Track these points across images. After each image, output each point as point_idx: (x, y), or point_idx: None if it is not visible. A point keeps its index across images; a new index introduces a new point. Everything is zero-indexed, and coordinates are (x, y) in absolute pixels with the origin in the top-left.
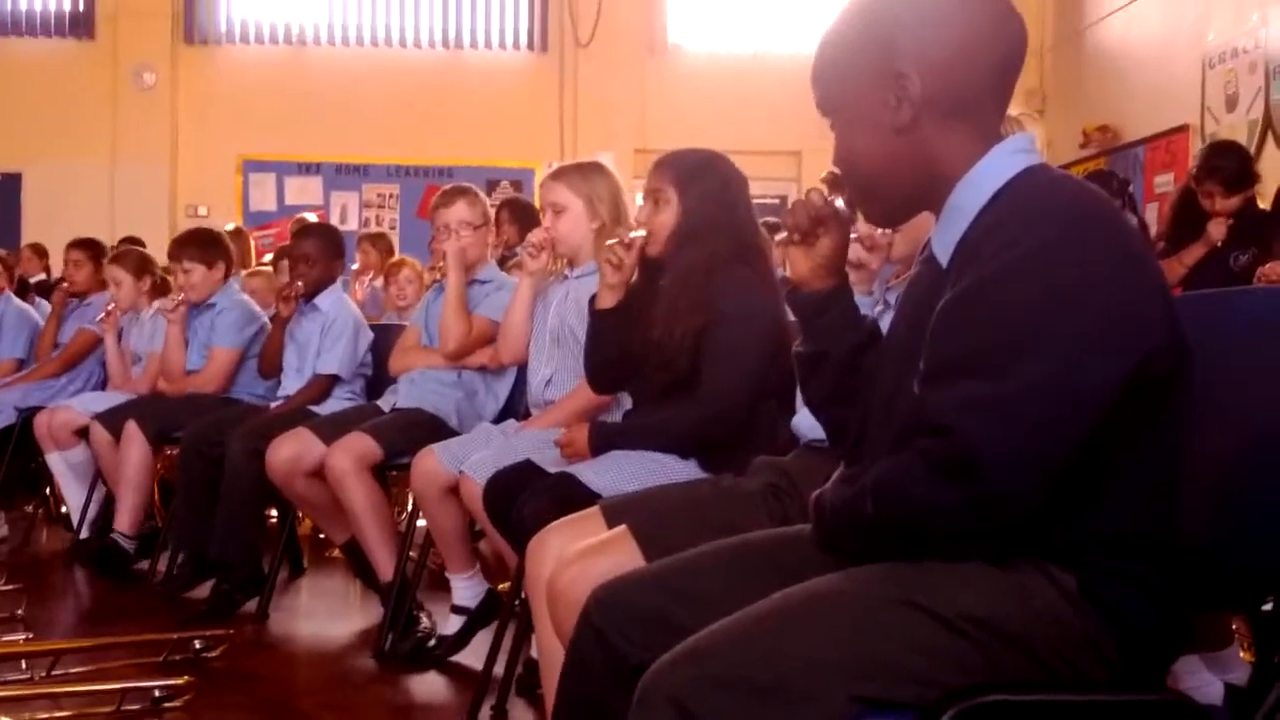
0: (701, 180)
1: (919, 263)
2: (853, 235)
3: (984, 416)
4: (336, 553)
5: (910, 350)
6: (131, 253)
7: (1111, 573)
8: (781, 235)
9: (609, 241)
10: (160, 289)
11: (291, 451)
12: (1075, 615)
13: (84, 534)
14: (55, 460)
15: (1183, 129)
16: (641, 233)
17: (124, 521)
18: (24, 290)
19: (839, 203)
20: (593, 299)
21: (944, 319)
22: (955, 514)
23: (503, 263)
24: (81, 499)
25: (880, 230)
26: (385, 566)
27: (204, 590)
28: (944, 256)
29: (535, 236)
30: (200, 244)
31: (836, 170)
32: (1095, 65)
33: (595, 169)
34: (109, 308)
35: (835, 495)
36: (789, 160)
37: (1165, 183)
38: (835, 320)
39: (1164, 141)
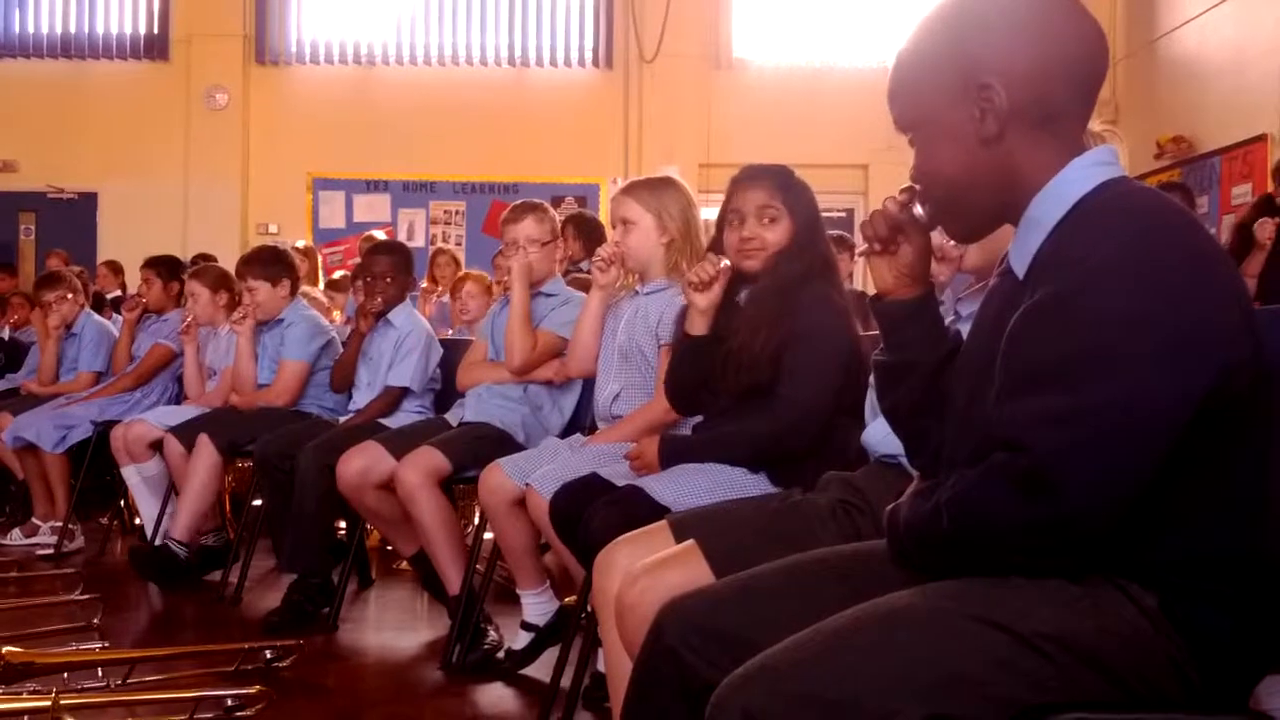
0: (801, 193)
1: (997, 274)
2: None
3: (1057, 432)
4: (404, 565)
5: (986, 362)
6: (211, 268)
7: (1194, 592)
8: (862, 246)
9: (696, 269)
10: (237, 305)
11: (361, 464)
12: (1156, 635)
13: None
14: (130, 473)
15: (1261, 139)
16: (727, 262)
17: (179, 528)
18: (100, 305)
19: (917, 209)
20: (681, 316)
21: (1018, 333)
22: (1028, 531)
23: (564, 276)
24: (155, 511)
25: (951, 241)
26: (453, 580)
27: (275, 601)
28: (1021, 268)
29: (604, 251)
30: (264, 262)
31: (914, 185)
32: (1169, 75)
33: (666, 184)
34: (187, 321)
35: (910, 510)
36: (856, 173)
37: (1243, 194)
38: (922, 330)
39: (1241, 152)
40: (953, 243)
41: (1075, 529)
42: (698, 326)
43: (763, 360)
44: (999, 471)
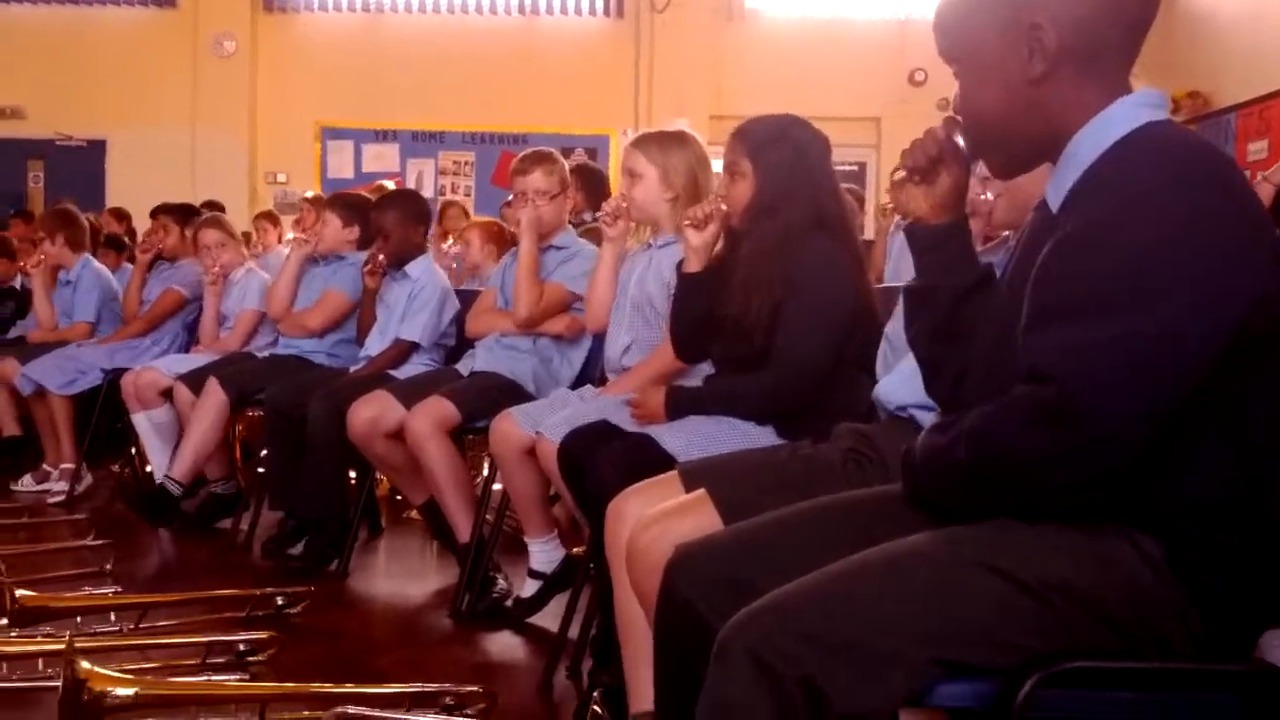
0: (775, 150)
1: (1032, 211)
2: None
3: (1084, 362)
4: (414, 514)
5: (1017, 295)
6: (218, 218)
7: (1199, 542)
8: (900, 174)
9: (693, 208)
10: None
11: (371, 413)
12: (1160, 585)
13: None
14: (140, 420)
15: (1277, 94)
16: (724, 206)
17: (180, 468)
18: (119, 248)
19: (959, 139)
20: (680, 263)
21: (1047, 265)
22: (1051, 461)
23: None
24: (166, 458)
25: (983, 194)
26: (463, 528)
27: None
28: (1055, 203)
29: (610, 204)
30: (347, 204)
31: (955, 116)
32: (1185, 30)
33: (677, 140)
34: (214, 270)
35: (925, 442)
36: (868, 126)
37: (1259, 150)
38: (950, 256)
39: (1257, 108)
40: (984, 196)
41: (1097, 461)
42: (693, 264)
43: (759, 327)
44: (1020, 402)
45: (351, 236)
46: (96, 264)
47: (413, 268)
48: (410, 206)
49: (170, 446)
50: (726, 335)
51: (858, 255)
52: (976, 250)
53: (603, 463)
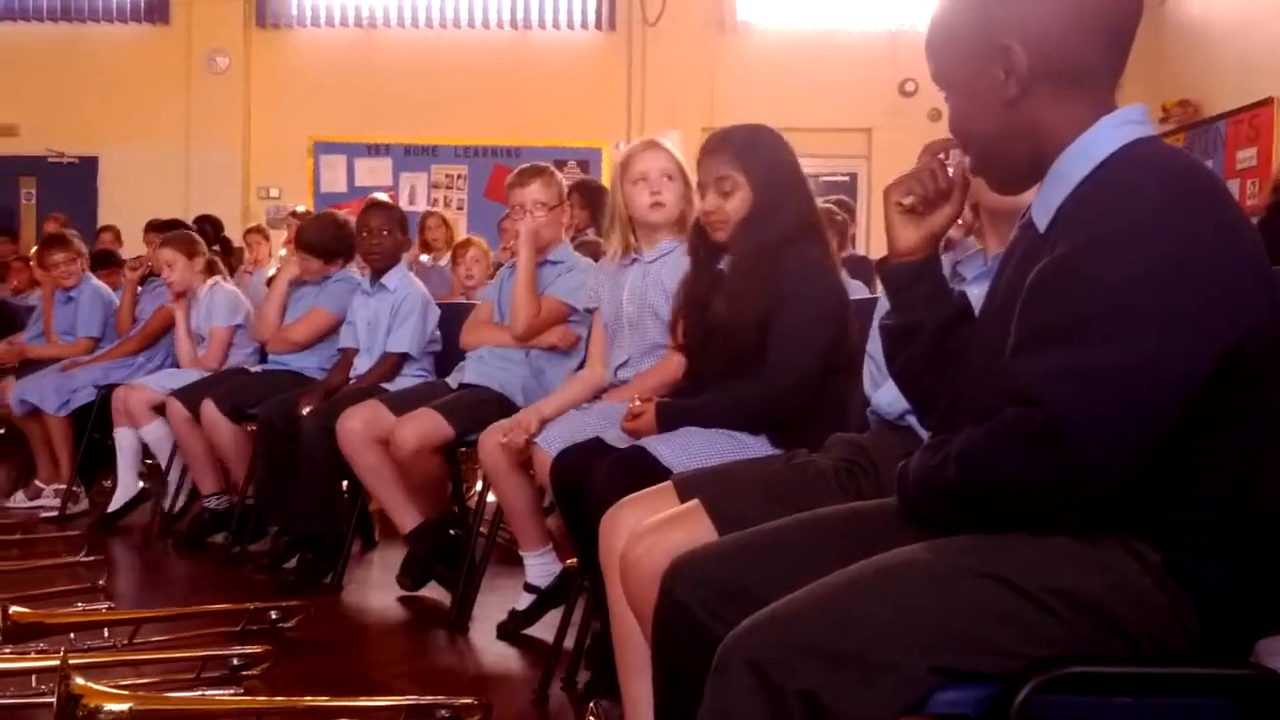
0: (762, 159)
1: (1018, 227)
2: None
3: (1073, 388)
4: None
5: (1006, 316)
6: (181, 235)
7: (1198, 550)
8: (908, 199)
9: None
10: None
11: (363, 419)
12: (1160, 591)
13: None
14: (123, 435)
15: (1267, 102)
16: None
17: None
18: (119, 265)
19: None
20: (686, 278)
21: (1037, 287)
22: (1038, 485)
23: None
24: (133, 478)
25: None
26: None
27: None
28: (1043, 221)
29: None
30: (322, 230)
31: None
32: (1175, 38)
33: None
34: (172, 285)
35: (919, 462)
36: (859, 137)
37: (1248, 158)
38: (929, 291)
39: (1247, 115)
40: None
41: (1085, 485)
42: None
43: (749, 329)
44: (1009, 425)
45: (332, 268)
46: (96, 280)
47: (389, 279)
48: (398, 213)
49: (164, 462)
50: (716, 340)
51: (836, 265)
52: (956, 264)
53: (598, 477)
